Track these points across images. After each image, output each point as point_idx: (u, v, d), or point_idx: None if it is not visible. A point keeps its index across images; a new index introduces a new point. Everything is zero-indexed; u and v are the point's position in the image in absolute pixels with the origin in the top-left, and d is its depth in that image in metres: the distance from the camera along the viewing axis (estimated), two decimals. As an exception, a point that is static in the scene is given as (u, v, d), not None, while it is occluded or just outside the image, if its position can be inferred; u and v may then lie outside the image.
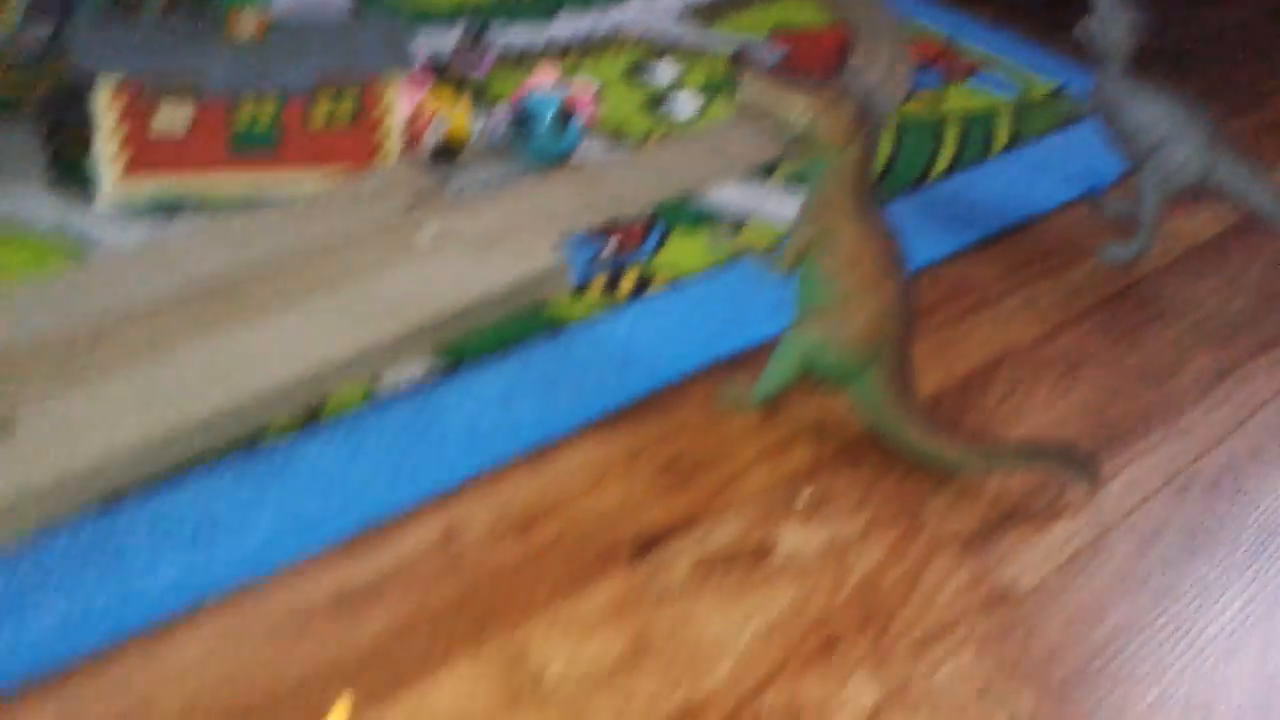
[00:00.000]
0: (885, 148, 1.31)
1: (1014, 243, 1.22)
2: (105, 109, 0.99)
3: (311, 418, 0.85)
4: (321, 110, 1.06)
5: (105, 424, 0.77)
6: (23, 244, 0.95)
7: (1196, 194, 1.16)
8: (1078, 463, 0.90)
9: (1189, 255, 1.24)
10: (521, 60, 1.35)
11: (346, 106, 1.06)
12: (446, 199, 1.07)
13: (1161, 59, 1.24)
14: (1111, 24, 1.14)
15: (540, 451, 0.87)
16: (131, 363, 0.83)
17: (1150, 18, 1.15)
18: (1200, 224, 1.29)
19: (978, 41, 1.60)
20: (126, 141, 1.01)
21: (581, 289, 1.03)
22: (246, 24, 1.04)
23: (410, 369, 0.91)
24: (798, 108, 0.85)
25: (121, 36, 1.03)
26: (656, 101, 1.33)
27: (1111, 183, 1.32)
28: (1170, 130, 1.12)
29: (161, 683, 0.67)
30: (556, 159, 1.17)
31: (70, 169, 1.04)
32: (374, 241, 0.99)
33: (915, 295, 0.91)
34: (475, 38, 1.33)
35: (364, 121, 1.07)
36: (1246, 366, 1.08)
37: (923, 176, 1.28)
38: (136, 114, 1.00)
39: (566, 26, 1.45)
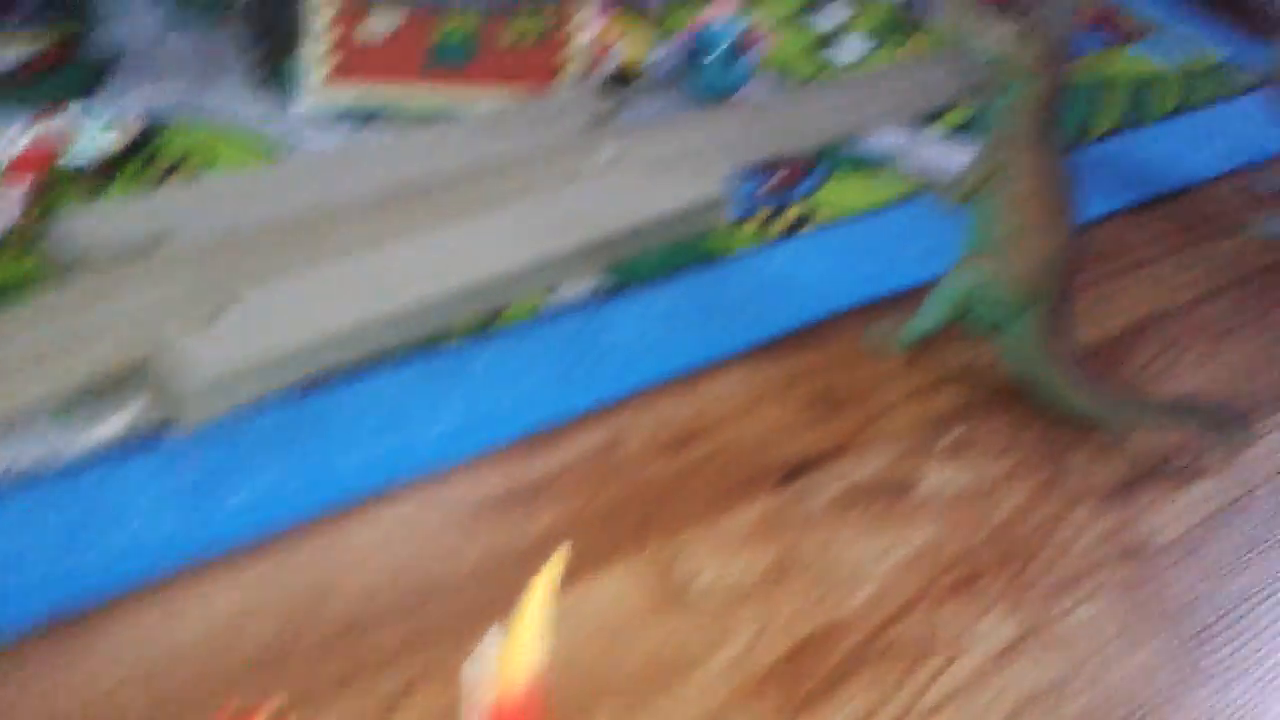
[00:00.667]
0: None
1: (1169, 209, 1.22)
2: (320, 10, 1.02)
3: (488, 323, 0.91)
4: (516, 27, 1.09)
5: (308, 311, 0.83)
6: (230, 141, 1.02)
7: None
8: (1227, 422, 0.91)
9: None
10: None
11: (537, 24, 1.09)
12: (620, 126, 1.11)
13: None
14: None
15: (697, 373, 0.92)
16: (332, 257, 0.89)
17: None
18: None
19: (1145, 6, 1.58)
20: (336, 46, 1.05)
21: (742, 221, 1.06)
22: None
23: (579, 286, 0.95)
24: (996, 33, 0.85)
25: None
26: (823, 43, 1.34)
27: (1270, 157, 1.31)
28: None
29: (342, 568, 0.72)
30: (724, 93, 1.20)
31: (275, 71, 1.09)
32: (552, 160, 1.03)
33: (1084, 244, 0.92)
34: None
35: (550, 41, 1.10)
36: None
37: (1081, 136, 1.28)
38: (348, 18, 1.03)
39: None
